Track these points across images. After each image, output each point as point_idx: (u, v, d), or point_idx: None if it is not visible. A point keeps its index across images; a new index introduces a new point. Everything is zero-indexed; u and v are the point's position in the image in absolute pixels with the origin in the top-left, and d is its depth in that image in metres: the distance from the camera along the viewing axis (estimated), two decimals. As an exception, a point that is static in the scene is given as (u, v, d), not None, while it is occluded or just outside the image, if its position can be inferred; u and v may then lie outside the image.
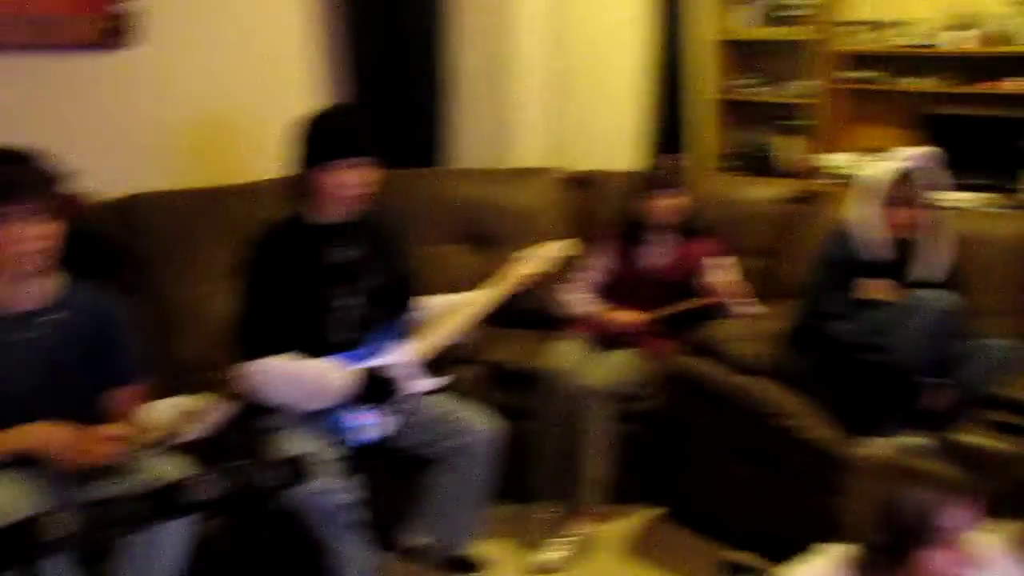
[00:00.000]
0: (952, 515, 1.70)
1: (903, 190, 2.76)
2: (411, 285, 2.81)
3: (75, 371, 2.30)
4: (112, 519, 1.73)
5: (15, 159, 2.75)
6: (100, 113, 3.21)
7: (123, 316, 2.43)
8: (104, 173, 3.09)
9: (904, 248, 2.83)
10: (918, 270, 2.81)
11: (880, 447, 2.55)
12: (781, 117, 4.88)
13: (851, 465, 2.51)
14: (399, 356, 2.66)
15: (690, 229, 3.30)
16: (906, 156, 2.80)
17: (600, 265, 3.35)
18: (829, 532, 1.93)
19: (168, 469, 2.23)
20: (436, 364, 2.76)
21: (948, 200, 3.07)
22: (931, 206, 2.80)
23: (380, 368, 2.58)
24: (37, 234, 2.15)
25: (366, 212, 2.65)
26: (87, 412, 2.32)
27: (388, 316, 2.71)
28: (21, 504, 2.06)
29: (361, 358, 2.61)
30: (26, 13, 3.00)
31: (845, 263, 2.84)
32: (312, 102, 3.59)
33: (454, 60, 3.95)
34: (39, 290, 2.26)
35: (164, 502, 1.78)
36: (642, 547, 3.07)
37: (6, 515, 1.93)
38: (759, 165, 4.81)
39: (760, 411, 2.81)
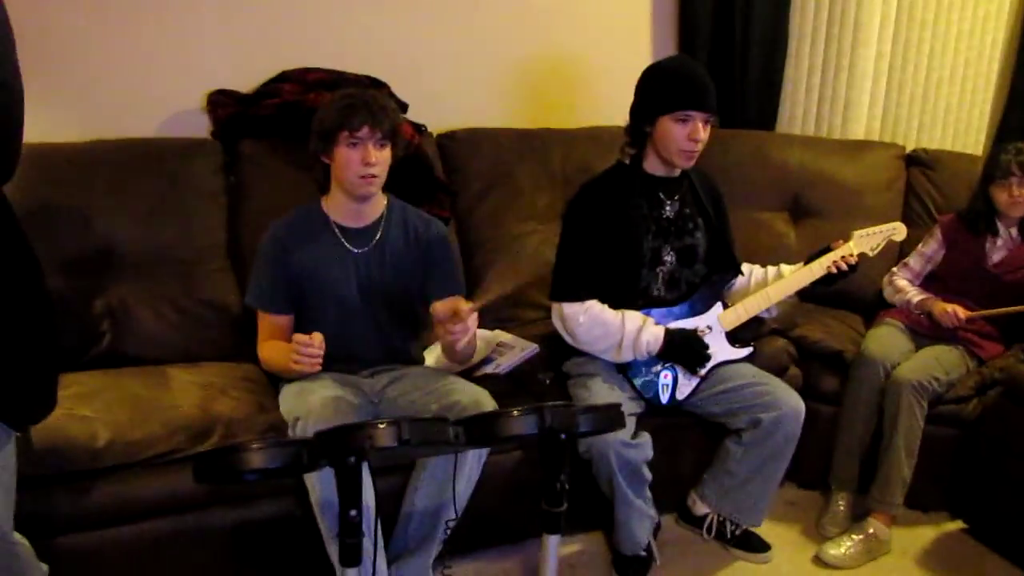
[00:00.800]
0: None
1: None
2: (730, 248, 2.72)
3: (393, 284, 2.46)
4: (431, 437, 1.78)
5: (375, 86, 2.92)
6: (441, 49, 3.35)
7: (445, 238, 2.55)
8: (440, 107, 3.24)
9: None
10: None
11: None
12: None
13: None
14: (710, 320, 2.60)
15: (1039, 225, 2.97)
16: None
17: (932, 252, 3.10)
18: None
19: (484, 398, 2.30)
20: (744, 333, 2.68)
21: None
22: None
23: (692, 330, 2.53)
24: (381, 158, 2.28)
25: (692, 169, 2.59)
26: (402, 330, 2.44)
27: (705, 277, 2.65)
28: (337, 404, 2.23)
29: (675, 317, 2.57)
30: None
31: None
32: (640, 56, 3.57)
33: (793, 25, 3.74)
34: (373, 209, 2.41)
35: (482, 430, 1.81)
36: (937, 560, 2.83)
37: (328, 415, 2.12)
38: None
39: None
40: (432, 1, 3.30)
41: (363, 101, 2.28)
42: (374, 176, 2.31)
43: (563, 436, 1.84)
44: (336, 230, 2.42)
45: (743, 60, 3.69)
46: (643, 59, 2.57)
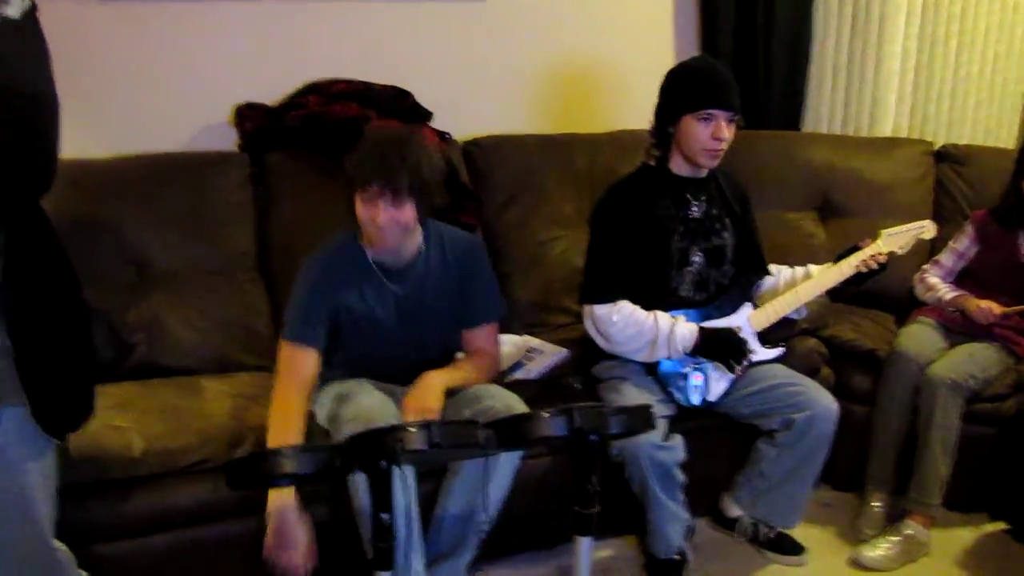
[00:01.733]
0: None
1: None
2: (758, 248, 2.71)
3: (435, 312, 2.41)
4: (462, 440, 1.79)
5: (400, 95, 2.91)
6: (464, 58, 3.36)
7: (483, 255, 2.52)
8: (463, 115, 3.24)
9: None
10: None
11: None
12: None
13: None
14: (740, 320, 2.58)
15: (1075, 218, 2.93)
16: None
17: (964, 249, 3.06)
18: None
19: (516, 403, 2.30)
20: (775, 334, 2.66)
21: None
22: None
23: (721, 329, 2.52)
24: (396, 217, 2.19)
25: (718, 169, 2.59)
26: (443, 346, 2.45)
27: (733, 277, 2.65)
28: (382, 409, 2.23)
29: (705, 317, 2.56)
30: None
31: None
32: (663, 58, 3.57)
33: (817, 23, 3.73)
34: (409, 244, 2.35)
35: (512, 432, 1.82)
36: (978, 562, 2.79)
37: (371, 418, 2.12)
38: None
39: None
40: (455, 9, 3.32)
41: (380, 155, 2.15)
42: (394, 231, 2.21)
43: (593, 437, 1.83)
44: (376, 269, 2.34)
45: (767, 60, 3.67)
46: (666, 62, 2.57)
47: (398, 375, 2.43)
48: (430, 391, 2.28)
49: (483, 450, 1.85)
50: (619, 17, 3.57)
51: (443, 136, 3.17)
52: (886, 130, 3.80)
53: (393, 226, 2.19)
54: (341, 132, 2.92)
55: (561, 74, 3.51)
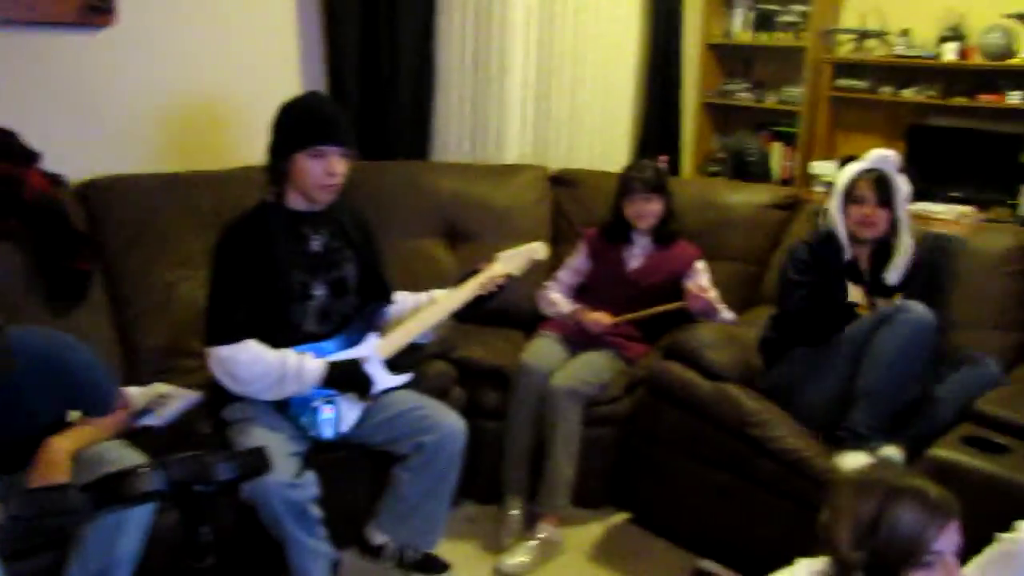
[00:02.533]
0: (943, 537, 1.60)
1: (860, 190, 2.75)
2: (382, 278, 2.77)
3: (31, 415, 2.21)
4: (51, 509, 1.68)
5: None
6: (75, 93, 3.15)
7: (69, 355, 2.26)
8: (76, 155, 3.05)
9: (878, 253, 2.82)
10: (888, 276, 2.80)
11: (857, 459, 2.50)
12: (768, 123, 4.87)
13: (827, 476, 2.45)
14: (366, 350, 2.63)
15: (669, 233, 3.27)
16: (867, 157, 2.80)
17: (577, 265, 3.32)
18: (806, 545, 1.87)
19: (120, 457, 2.19)
20: (404, 360, 2.73)
21: (937, 211, 3.11)
22: (891, 209, 2.76)
23: (347, 361, 2.55)
24: None
25: (338, 202, 2.62)
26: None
27: (358, 308, 2.68)
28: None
29: (329, 350, 2.58)
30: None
31: (817, 266, 2.82)
32: (289, 92, 3.56)
33: (440, 56, 3.89)
34: None
35: (109, 492, 1.73)
36: (607, 552, 3.04)
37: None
38: (744, 170, 4.79)
39: (734, 419, 2.77)
40: (65, 41, 3.09)
41: None
42: None
43: (198, 488, 1.78)
44: None
45: (393, 92, 3.76)
46: (293, 95, 2.59)
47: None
48: (53, 465, 2.11)
49: (81, 515, 1.74)
50: (244, 51, 3.50)
51: (54, 178, 2.96)
52: (510, 157, 4.02)
53: None
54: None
55: (185, 110, 3.39)
